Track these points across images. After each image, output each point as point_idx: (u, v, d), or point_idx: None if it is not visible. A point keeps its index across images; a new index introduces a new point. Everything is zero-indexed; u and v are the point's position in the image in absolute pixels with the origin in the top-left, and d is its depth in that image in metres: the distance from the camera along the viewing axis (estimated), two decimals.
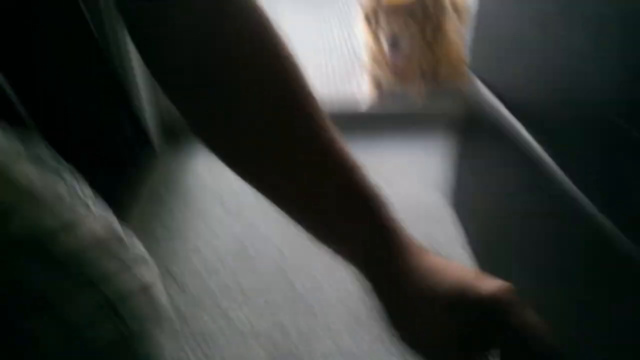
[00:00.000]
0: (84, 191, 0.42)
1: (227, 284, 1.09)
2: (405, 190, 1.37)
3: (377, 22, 1.60)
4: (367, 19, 1.62)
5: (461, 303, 0.30)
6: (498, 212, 1.00)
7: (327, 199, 0.33)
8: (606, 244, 0.59)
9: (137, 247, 0.48)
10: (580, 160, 0.67)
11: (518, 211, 0.90)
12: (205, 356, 0.90)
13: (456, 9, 1.66)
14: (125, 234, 0.45)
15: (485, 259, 1.07)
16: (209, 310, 1.01)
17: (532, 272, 0.83)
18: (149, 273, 0.54)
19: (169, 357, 1.09)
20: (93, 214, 0.40)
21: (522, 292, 0.29)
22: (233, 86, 0.31)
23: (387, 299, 0.34)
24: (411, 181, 1.41)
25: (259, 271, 1.11)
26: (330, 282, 1.07)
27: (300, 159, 0.32)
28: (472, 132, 1.13)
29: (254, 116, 0.32)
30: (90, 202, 0.42)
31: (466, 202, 1.19)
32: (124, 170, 1.36)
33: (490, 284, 0.30)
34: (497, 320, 0.30)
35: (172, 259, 1.17)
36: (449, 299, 0.31)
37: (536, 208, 0.82)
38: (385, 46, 1.60)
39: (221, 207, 1.32)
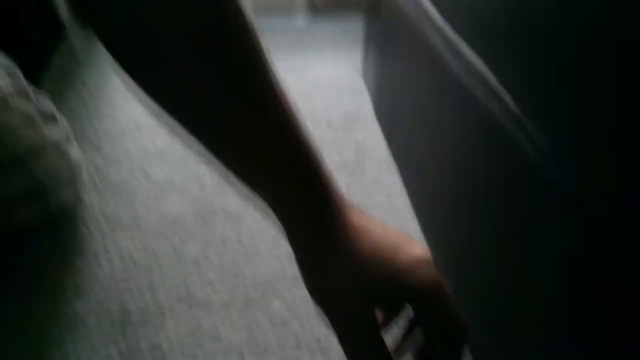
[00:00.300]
0: None
1: (144, 144, 1.12)
2: (328, 89, 1.42)
3: None
4: None
5: (393, 293, 0.30)
6: (414, 111, 1.04)
7: (259, 137, 0.29)
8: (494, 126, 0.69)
9: (47, 105, 0.50)
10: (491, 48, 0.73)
11: (431, 109, 0.94)
12: (125, 205, 0.96)
13: None
14: (33, 93, 0.46)
15: (404, 164, 1.11)
16: (126, 166, 1.05)
17: (443, 170, 0.85)
18: (60, 130, 0.56)
19: (85, 208, 1.15)
20: None
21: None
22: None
23: (311, 260, 0.31)
24: (336, 85, 1.46)
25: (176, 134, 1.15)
26: None
27: (236, 91, 0.28)
28: (394, 34, 1.14)
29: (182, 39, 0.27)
30: None
31: (387, 107, 1.23)
32: (42, 73, 1.26)
33: (427, 275, 0.30)
34: (425, 310, 0.31)
35: (85, 123, 1.17)
36: (382, 290, 0.30)
37: (444, 107, 0.85)
38: None
39: None
